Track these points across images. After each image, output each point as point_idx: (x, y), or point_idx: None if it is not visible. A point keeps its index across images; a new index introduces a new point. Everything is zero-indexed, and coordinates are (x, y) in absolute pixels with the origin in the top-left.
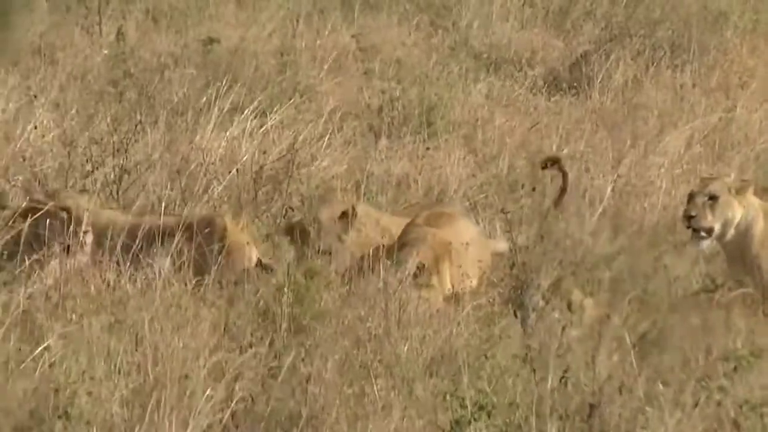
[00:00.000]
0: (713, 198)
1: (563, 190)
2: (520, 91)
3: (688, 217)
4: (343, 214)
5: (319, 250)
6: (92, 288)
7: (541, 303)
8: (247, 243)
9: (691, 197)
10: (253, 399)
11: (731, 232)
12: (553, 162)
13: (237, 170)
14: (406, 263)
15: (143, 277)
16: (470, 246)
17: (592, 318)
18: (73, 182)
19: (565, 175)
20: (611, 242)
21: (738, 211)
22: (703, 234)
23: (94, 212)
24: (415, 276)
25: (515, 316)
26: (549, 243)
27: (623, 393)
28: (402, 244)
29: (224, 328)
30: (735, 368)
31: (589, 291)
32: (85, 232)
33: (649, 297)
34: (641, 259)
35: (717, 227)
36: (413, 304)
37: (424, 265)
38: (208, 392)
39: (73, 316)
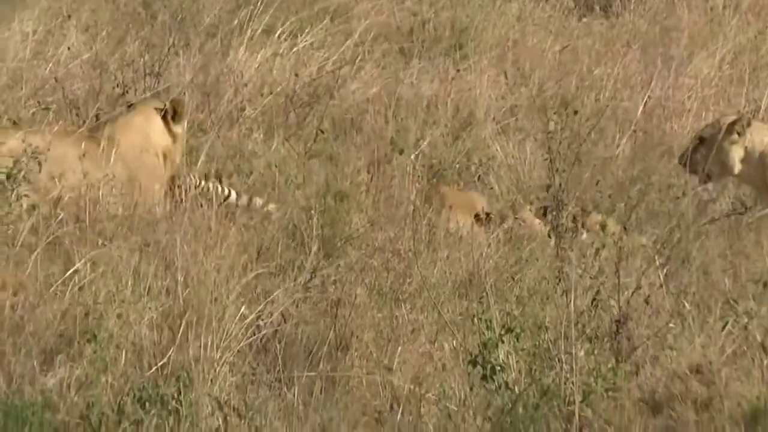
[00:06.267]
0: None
1: None
2: (551, 12)
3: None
4: None
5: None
6: (120, 210)
7: (572, 225)
8: None
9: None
10: (284, 321)
11: (745, 170)
12: None
13: (271, 92)
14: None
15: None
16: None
17: (616, 236)
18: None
19: None
20: (641, 163)
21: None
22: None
23: None
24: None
25: (549, 236)
26: (584, 165)
27: (650, 309)
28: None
29: (257, 251)
30: (765, 287)
31: (616, 213)
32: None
33: (678, 218)
34: (671, 182)
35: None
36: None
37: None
38: (238, 315)
39: (101, 239)
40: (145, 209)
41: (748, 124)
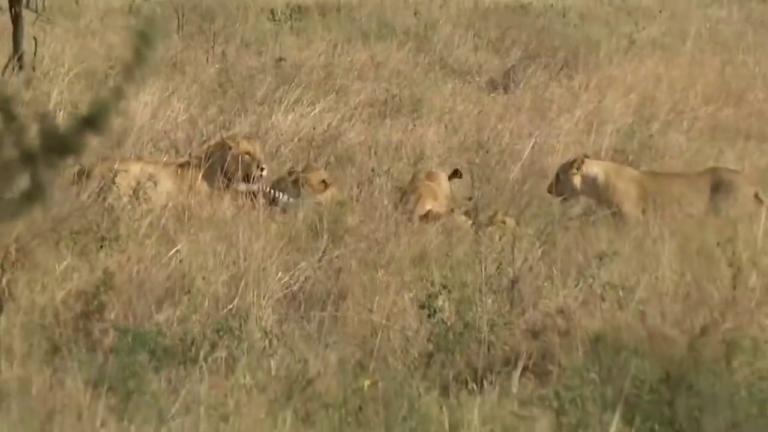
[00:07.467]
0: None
1: None
2: (472, 89)
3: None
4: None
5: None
6: (205, 212)
7: (486, 221)
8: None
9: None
10: (306, 281)
11: (584, 190)
12: None
13: (298, 139)
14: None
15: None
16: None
17: (512, 229)
18: (194, 147)
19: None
20: (527, 184)
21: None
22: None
23: None
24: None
25: (471, 227)
26: (492, 185)
27: (532, 274)
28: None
29: (288, 238)
30: (600, 260)
31: (512, 214)
32: (262, 169)
33: (551, 218)
34: (546, 195)
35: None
36: (404, 223)
37: (431, 211)
38: (277, 277)
39: (192, 230)
40: (211, 212)
41: (582, 162)
